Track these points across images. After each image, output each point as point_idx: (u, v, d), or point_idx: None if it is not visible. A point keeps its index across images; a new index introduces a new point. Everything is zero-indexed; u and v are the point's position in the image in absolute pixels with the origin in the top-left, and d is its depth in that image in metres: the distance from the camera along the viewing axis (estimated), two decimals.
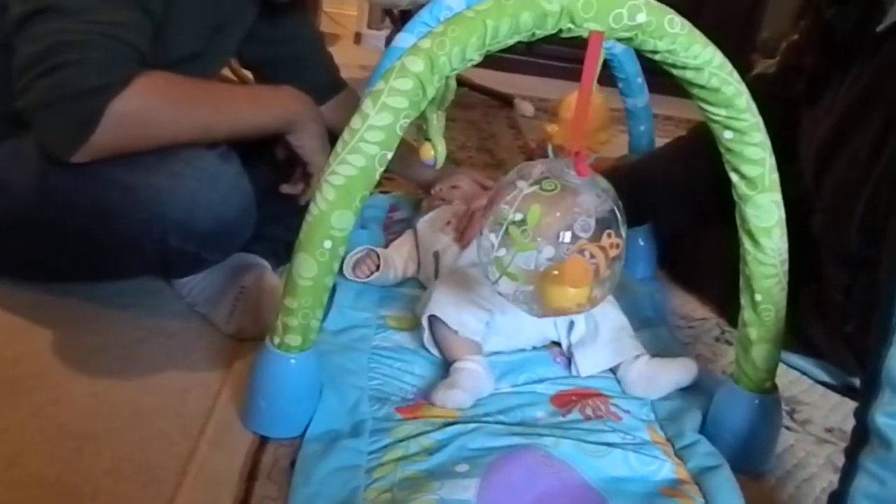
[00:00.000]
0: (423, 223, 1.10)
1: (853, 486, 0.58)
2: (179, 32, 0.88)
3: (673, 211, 1.19)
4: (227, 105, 0.87)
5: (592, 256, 0.66)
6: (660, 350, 0.92)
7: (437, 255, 1.03)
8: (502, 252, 0.68)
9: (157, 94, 0.80)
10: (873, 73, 0.91)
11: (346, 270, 1.02)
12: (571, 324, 0.91)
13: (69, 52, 0.74)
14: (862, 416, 0.58)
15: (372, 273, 1.02)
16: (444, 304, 0.87)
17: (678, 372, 0.87)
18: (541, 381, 0.88)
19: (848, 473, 0.59)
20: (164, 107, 0.81)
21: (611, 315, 0.91)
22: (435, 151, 0.95)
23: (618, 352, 0.89)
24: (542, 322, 0.91)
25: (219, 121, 0.85)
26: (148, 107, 0.79)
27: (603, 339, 0.89)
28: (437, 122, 0.94)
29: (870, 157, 0.87)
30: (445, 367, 0.87)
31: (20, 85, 0.76)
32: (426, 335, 0.89)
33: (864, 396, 0.58)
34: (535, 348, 0.94)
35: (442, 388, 0.80)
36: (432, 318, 0.87)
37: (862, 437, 0.58)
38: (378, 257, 1.03)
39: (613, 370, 0.90)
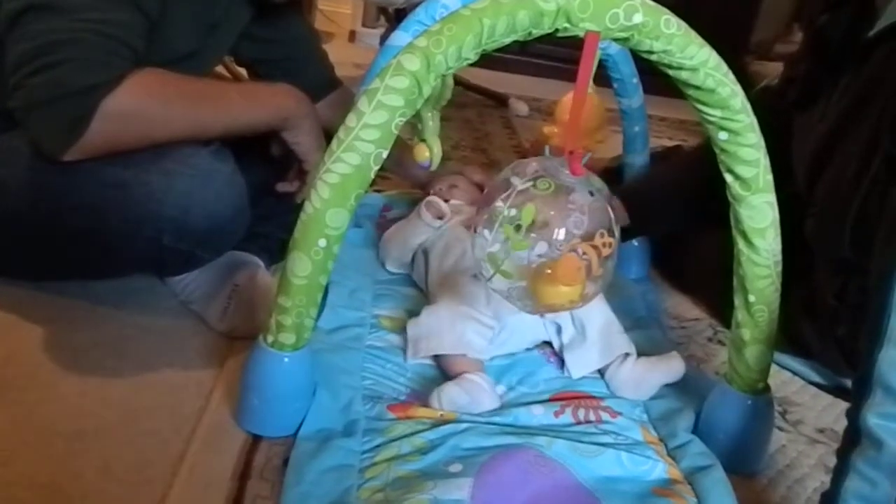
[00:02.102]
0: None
1: (844, 487, 0.58)
2: (175, 31, 0.88)
3: (676, 220, 1.19)
4: (222, 102, 0.86)
5: (585, 254, 0.66)
6: (652, 351, 0.92)
7: (426, 253, 1.02)
8: (496, 248, 0.68)
9: (150, 92, 0.79)
10: (864, 80, 0.92)
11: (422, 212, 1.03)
12: (559, 327, 0.91)
13: (62, 51, 0.74)
14: (853, 416, 0.59)
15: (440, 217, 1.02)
16: (443, 335, 0.85)
17: (665, 371, 0.87)
18: (534, 382, 0.88)
19: (839, 474, 0.59)
20: (157, 105, 0.80)
21: (596, 314, 0.90)
22: (430, 153, 0.95)
23: (608, 350, 0.89)
24: (533, 326, 0.91)
25: (213, 118, 0.85)
26: (141, 105, 0.78)
27: (591, 340, 0.89)
28: (432, 122, 0.94)
29: (861, 163, 0.88)
30: (439, 368, 0.87)
31: (12, 83, 0.75)
32: (413, 359, 0.87)
33: (856, 397, 0.59)
34: (527, 349, 0.94)
35: (445, 387, 0.79)
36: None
37: (853, 437, 0.58)
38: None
39: (602, 372, 0.89)
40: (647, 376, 0.86)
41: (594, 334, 0.89)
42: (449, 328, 0.85)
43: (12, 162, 0.84)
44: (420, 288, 1.05)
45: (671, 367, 0.87)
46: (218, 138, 0.88)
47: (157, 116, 0.80)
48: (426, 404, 0.79)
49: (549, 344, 0.94)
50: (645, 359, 0.88)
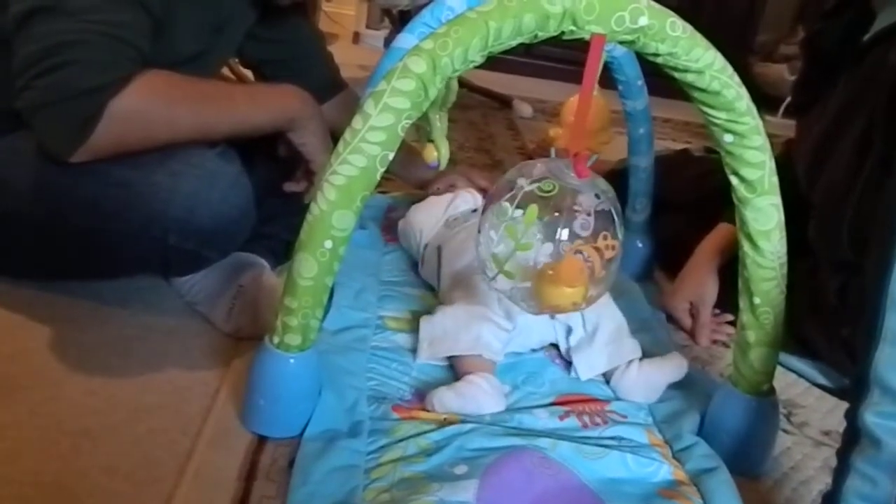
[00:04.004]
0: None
1: (845, 487, 0.58)
2: (180, 32, 0.88)
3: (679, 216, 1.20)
4: (228, 104, 0.87)
5: (588, 257, 0.66)
6: (656, 353, 0.92)
7: (439, 250, 1.02)
8: (500, 248, 0.68)
9: (157, 93, 0.80)
10: (858, 82, 0.92)
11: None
12: (569, 328, 0.91)
13: (68, 52, 0.74)
14: (852, 416, 0.59)
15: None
16: (459, 336, 0.84)
17: (671, 369, 0.87)
18: (540, 382, 0.88)
19: (840, 474, 0.59)
20: (163, 106, 0.81)
21: (608, 316, 0.90)
22: (438, 153, 0.96)
23: (617, 353, 0.88)
24: (542, 327, 0.91)
25: (219, 120, 0.85)
26: (147, 106, 0.79)
27: (601, 342, 0.89)
28: (439, 123, 0.95)
29: (854, 163, 0.89)
30: (447, 369, 0.87)
31: (19, 84, 0.76)
32: (423, 358, 0.87)
33: (854, 397, 0.59)
34: (533, 350, 0.94)
35: (438, 391, 0.79)
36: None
37: (852, 437, 0.59)
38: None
39: (607, 378, 0.89)
40: (653, 378, 0.86)
41: (605, 337, 0.89)
42: (465, 329, 0.85)
43: (18, 162, 0.84)
44: (426, 288, 1.05)
45: (675, 365, 0.87)
46: (224, 139, 0.88)
47: (163, 117, 0.81)
48: (426, 408, 0.79)
49: (554, 347, 0.94)
50: (647, 361, 0.88)
